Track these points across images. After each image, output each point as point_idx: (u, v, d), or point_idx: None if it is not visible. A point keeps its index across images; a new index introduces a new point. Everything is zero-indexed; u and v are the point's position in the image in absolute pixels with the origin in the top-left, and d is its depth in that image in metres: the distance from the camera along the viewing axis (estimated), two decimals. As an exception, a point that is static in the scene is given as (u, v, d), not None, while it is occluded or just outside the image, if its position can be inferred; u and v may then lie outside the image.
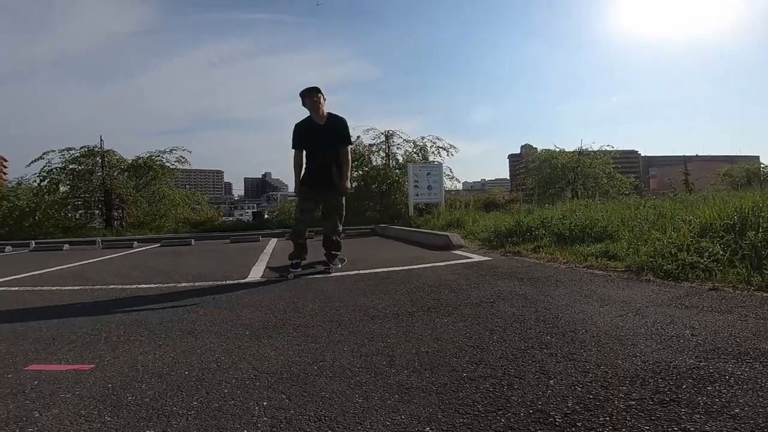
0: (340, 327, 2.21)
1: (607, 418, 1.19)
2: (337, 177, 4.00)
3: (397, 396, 1.39)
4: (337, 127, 3.99)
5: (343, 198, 4.16)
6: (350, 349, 1.85)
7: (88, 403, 1.37)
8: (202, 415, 1.28)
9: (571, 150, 21.45)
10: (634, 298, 2.57)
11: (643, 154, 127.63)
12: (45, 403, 1.39)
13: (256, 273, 4.33)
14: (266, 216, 17.65)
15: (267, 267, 4.66)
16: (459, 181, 18.47)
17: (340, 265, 4.14)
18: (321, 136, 3.92)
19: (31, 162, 15.86)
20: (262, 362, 1.73)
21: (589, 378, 1.47)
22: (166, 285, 3.74)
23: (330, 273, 3.95)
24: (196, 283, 3.78)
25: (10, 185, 19.08)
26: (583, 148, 21.03)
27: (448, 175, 16.16)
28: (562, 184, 21.04)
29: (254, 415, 1.28)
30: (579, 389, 1.38)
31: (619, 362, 1.59)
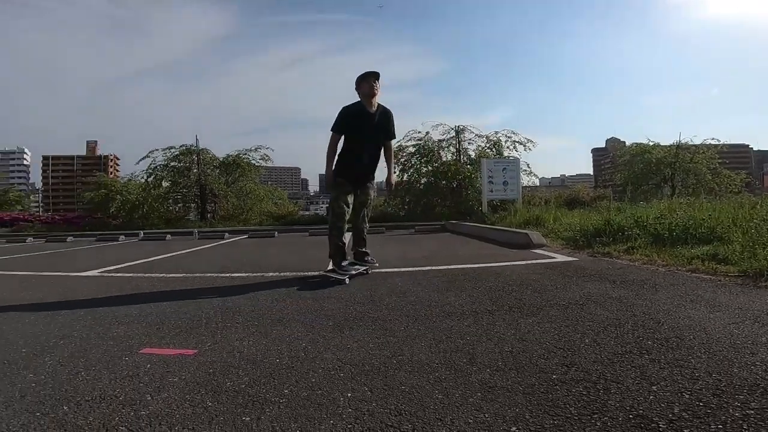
0: (416, 322, 2.20)
1: (720, 427, 1.09)
2: (373, 172, 3.80)
3: (479, 394, 1.35)
4: (388, 118, 3.68)
5: (374, 195, 3.99)
6: (428, 345, 1.84)
7: (192, 387, 1.46)
8: (292, 403, 1.33)
9: (667, 144, 19.38)
10: (751, 304, 2.27)
11: (755, 149, 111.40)
12: (156, 386, 1.48)
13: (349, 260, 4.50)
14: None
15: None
16: (537, 177, 17.58)
17: (377, 263, 3.88)
18: (373, 126, 3.56)
19: (140, 160, 18.03)
20: (345, 353, 1.77)
21: (699, 385, 1.34)
22: (255, 274, 4.01)
23: (368, 272, 3.72)
24: (282, 273, 4.01)
25: (122, 181, 21.74)
26: (683, 141, 18.89)
27: (525, 170, 15.47)
28: (657, 181, 19.14)
29: (339, 405, 1.31)
30: (687, 396, 1.27)
31: (735, 370, 1.43)
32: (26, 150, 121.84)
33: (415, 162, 16.77)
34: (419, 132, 16.75)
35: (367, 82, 3.46)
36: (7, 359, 1.75)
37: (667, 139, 20.37)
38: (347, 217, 3.59)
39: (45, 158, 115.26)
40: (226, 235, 11.18)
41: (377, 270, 4.01)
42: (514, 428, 1.15)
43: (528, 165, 15.81)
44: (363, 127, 3.51)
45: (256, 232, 11.51)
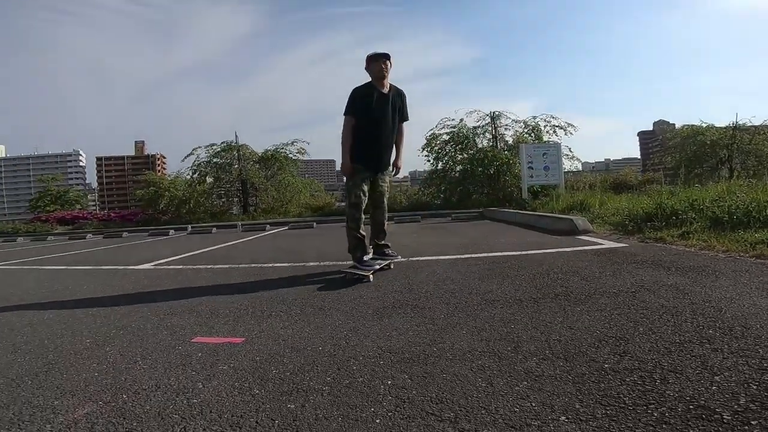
0: (457, 310, 2.17)
1: None
2: (391, 155, 3.52)
3: (525, 383, 1.32)
4: (402, 99, 3.44)
5: (390, 180, 3.64)
6: (469, 333, 1.81)
7: (241, 375, 1.50)
8: (335, 391, 1.35)
9: (722, 125, 18.00)
10: None
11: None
12: (207, 374, 1.53)
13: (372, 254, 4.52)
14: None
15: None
16: (579, 161, 16.86)
17: (399, 257, 3.63)
18: (387, 107, 3.30)
19: (185, 157, 18.88)
20: (385, 341, 1.77)
21: None
22: (296, 264, 4.10)
23: (391, 267, 3.46)
24: (322, 263, 4.07)
25: (169, 178, 22.80)
26: (740, 122, 17.48)
27: (567, 154, 14.87)
28: (713, 163, 17.88)
29: (380, 393, 1.31)
30: (754, 387, 1.19)
31: None
32: (81, 152, 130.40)
33: (449, 150, 16.51)
34: (453, 119, 16.46)
35: (377, 62, 3.24)
36: (74, 349, 1.87)
37: (720, 121, 18.86)
38: (364, 206, 3.36)
39: (98, 159, 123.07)
40: (268, 227, 11.51)
41: (415, 258, 3.99)
42: (563, 417, 1.12)
43: (570, 149, 15.20)
44: (378, 108, 3.27)
45: (295, 224, 11.78)
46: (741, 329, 1.64)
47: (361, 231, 3.33)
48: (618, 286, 2.48)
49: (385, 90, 3.31)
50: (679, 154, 18.95)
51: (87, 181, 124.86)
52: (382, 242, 3.60)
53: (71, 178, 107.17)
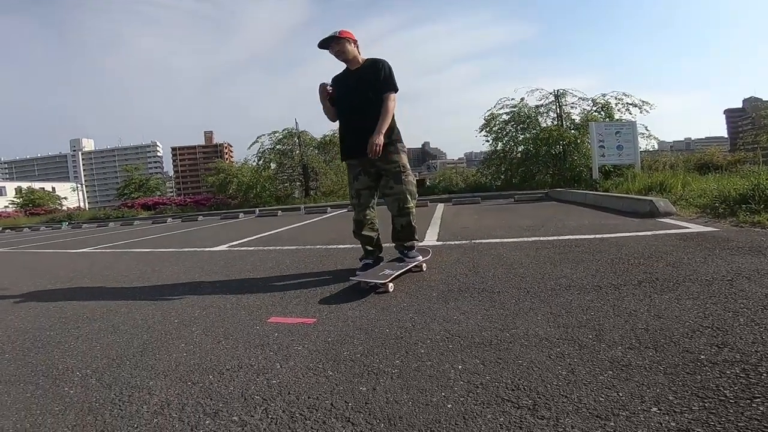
0: (528, 295, 2.09)
1: None
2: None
3: (610, 372, 1.25)
4: (375, 68, 2.79)
5: (399, 161, 2.79)
6: (545, 319, 1.73)
7: (315, 356, 1.54)
8: (404, 374, 1.35)
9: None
10: None
11: None
12: (284, 355, 1.58)
13: (431, 236, 4.48)
14: (428, 183, 18.23)
15: (440, 231, 4.77)
16: (656, 140, 15.50)
17: (422, 258, 2.92)
18: (355, 86, 2.81)
19: (250, 145, 19.93)
20: (452, 325, 1.75)
21: None
22: (357, 246, 4.14)
23: (422, 268, 2.89)
24: (384, 244, 4.08)
25: (237, 165, 24.10)
26: None
27: (643, 133, 13.71)
28: (814, 141, 15.63)
29: (450, 378, 1.29)
30: None
31: None
32: (158, 143, 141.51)
33: (509, 130, 15.86)
34: (512, 99, 15.75)
35: (332, 49, 2.79)
36: (164, 329, 2.02)
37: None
38: (366, 203, 2.91)
39: (173, 149, 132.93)
40: (329, 209, 11.83)
41: (478, 241, 3.88)
42: (654, 408, 1.05)
43: (646, 127, 13.99)
44: (346, 91, 2.83)
45: (354, 208, 12.00)
46: None
47: (361, 231, 2.93)
48: (711, 273, 2.25)
49: (354, 68, 2.85)
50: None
51: (164, 170, 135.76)
52: (401, 243, 2.95)
53: (151, 167, 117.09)
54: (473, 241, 3.96)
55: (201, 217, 14.22)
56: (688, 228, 3.81)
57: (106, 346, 1.84)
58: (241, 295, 2.54)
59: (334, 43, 2.76)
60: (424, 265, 2.90)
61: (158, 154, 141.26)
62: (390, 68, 2.81)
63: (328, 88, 2.84)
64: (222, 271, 3.44)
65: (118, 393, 1.39)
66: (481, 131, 16.12)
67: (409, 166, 2.87)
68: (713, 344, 1.39)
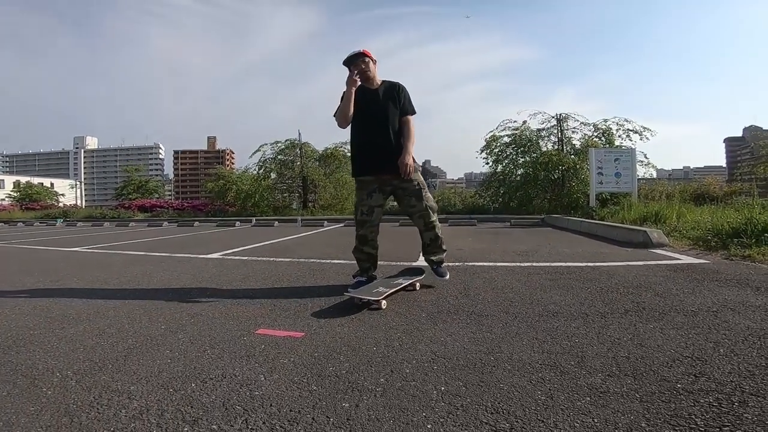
0: (516, 319, 2.10)
1: None
2: (395, 155, 2.87)
3: (588, 398, 1.27)
4: (396, 92, 2.95)
5: (417, 179, 2.92)
6: (530, 344, 1.75)
7: (300, 370, 1.54)
8: (387, 393, 1.35)
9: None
10: None
11: None
12: (269, 367, 1.57)
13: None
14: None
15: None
16: (654, 168, 15.64)
17: (447, 276, 3.01)
18: (378, 104, 2.90)
19: (252, 153, 19.99)
20: (439, 346, 1.76)
21: None
22: (353, 262, 4.16)
23: (416, 287, 2.88)
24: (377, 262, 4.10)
25: (237, 173, 24.14)
26: None
27: (642, 161, 13.85)
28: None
29: (432, 398, 1.30)
30: None
31: None
32: (161, 145, 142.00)
33: (510, 152, 15.99)
34: (515, 121, 15.91)
35: (355, 66, 2.86)
36: (150, 335, 2.01)
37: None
38: (370, 220, 2.94)
39: (175, 152, 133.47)
40: (326, 223, 11.85)
41: (471, 264, 3.90)
42: None
43: (645, 155, 14.14)
44: (367, 107, 2.90)
45: (351, 222, 12.00)
46: None
47: (365, 247, 2.99)
48: (697, 304, 2.29)
49: (373, 87, 2.95)
50: (772, 163, 16.97)
51: (165, 172, 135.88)
52: (433, 257, 3.05)
53: (151, 169, 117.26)
54: (466, 263, 3.98)
55: (197, 222, 14.20)
56: (680, 259, 3.85)
57: (89, 349, 1.84)
58: (231, 305, 2.54)
59: (360, 61, 2.87)
60: (418, 284, 2.89)
61: (160, 156, 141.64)
62: (408, 92, 2.99)
63: (356, 78, 2.83)
64: (213, 280, 3.44)
65: (97, 396, 1.38)
66: (481, 152, 16.23)
67: (425, 184, 2.99)
68: (691, 373, 1.42)
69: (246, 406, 1.29)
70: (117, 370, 1.59)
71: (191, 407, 1.30)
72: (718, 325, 1.92)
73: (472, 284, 2.99)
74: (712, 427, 1.10)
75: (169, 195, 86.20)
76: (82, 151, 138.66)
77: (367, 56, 2.90)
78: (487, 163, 16.34)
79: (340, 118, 2.90)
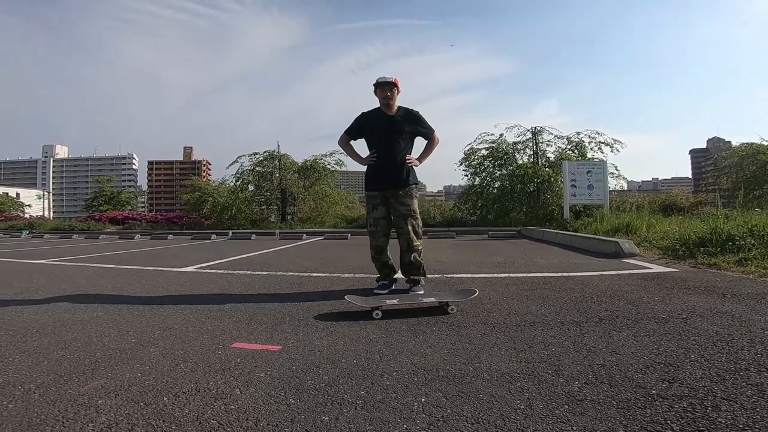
0: (494, 330, 2.12)
1: None
2: (403, 174, 3.23)
3: (566, 407, 1.28)
4: (415, 118, 3.32)
5: (414, 202, 3.25)
6: (508, 354, 1.76)
7: (277, 383, 1.51)
8: (368, 405, 1.34)
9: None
10: None
11: None
12: (245, 381, 1.54)
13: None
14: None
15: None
16: (625, 180, 16.20)
17: (422, 292, 3.10)
18: (392, 130, 3.24)
19: (230, 164, 19.68)
20: (419, 358, 1.75)
21: None
22: (332, 275, 4.15)
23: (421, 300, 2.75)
24: (356, 275, 4.10)
25: (214, 184, 23.72)
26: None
27: (613, 173, 14.31)
28: (775, 185, 16.61)
29: (413, 410, 1.30)
30: None
31: None
32: (135, 155, 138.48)
33: (487, 165, 16.28)
34: (491, 134, 16.25)
35: (382, 90, 3.22)
36: (120, 348, 1.95)
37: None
38: (382, 231, 3.27)
39: (150, 163, 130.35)
40: (304, 236, 11.72)
41: (450, 275, 3.94)
42: None
43: (616, 167, 14.63)
44: (382, 132, 3.26)
45: (331, 235, 11.94)
46: (807, 362, 1.54)
47: (380, 256, 3.30)
48: (668, 311, 2.37)
49: (391, 113, 3.28)
50: (735, 175, 17.74)
51: (138, 184, 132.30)
52: (410, 276, 3.27)
53: (124, 180, 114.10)
54: (445, 275, 4.01)
55: (171, 235, 13.84)
56: (650, 268, 3.98)
57: (54, 362, 1.77)
58: (206, 319, 2.48)
59: (388, 88, 3.22)
60: (454, 307, 2.55)
61: (134, 167, 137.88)
62: (422, 116, 3.38)
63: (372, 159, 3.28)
64: (187, 293, 3.35)
65: (62, 410, 1.33)
66: (460, 165, 16.47)
67: (418, 210, 3.30)
68: (665, 379, 1.46)
69: (221, 420, 1.26)
70: (84, 384, 1.54)
71: (163, 421, 1.26)
72: (688, 332, 1.98)
73: (445, 288, 3.01)
74: None
75: (143, 207, 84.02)
76: (51, 160, 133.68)
77: (396, 86, 3.24)
78: (466, 176, 16.58)
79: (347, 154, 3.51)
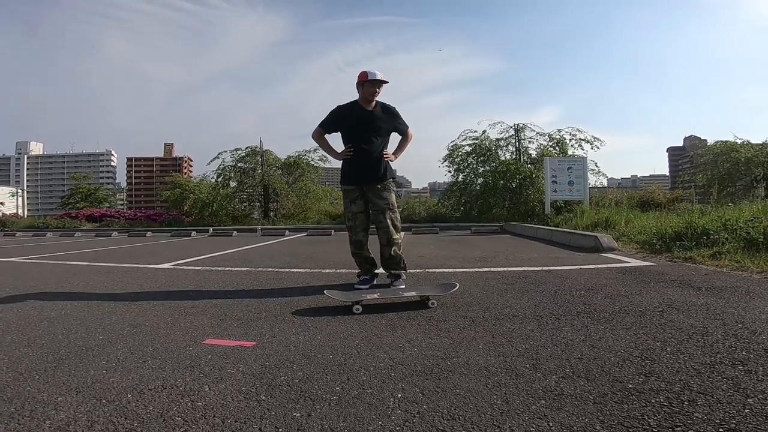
0: (473, 324, 2.11)
1: None
2: (381, 169, 3.20)
3: (543, 401, 1.27)
4: (392, 114, 3.28)
5: (392, 195, 3.23)
6: (486, 348, 1.75)
7: (249, 380, 1.48)
8: (343, 401, 1.31)
9: (759, 142, 17.28)
10: None
11: None
12: (215, 377, 1.50)
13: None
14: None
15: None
16: (605, 177, 16.51)
17: (403, 286, 3.05)
18: (370, 125, 3.19)
19: (211, 161, 19.32)
20: (397, 353, 1.73)
21: None
22: (313, 270, 4.10)
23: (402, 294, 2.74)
24: (338, 270, 4.06)
25: (195, 181, 23.28)
26: (777, 138, 16.72)
27: (593, 170, 14.57)
28: (747, 182, 17.17)
29: (389, 406, 1.27)
30: None
31: None
32: (113, 152, 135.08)
33: (471, 162, 16.40)
34: (475, 131, 16.37)
35: (372, 86, 3.12)
36: (86, 345, 1.88)
37: (756, 137, 18.15)
38: (361, 225, 3.23)
39: (129, 159, 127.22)
40: (287, 232, 11.62)
41: (432, 270, 3.93)
42: None
43: (596, 164, 14.90)
44: (360, 126, 3.19)
45: (314, 231, 11.85)
46: (777, 353, 1.57)
47: (360, 251, 3.26)
48: (644, 304, 2.40)
49: (370, 108, 3.21)
50: (710, 172, 18.27)
51: (117, 181, 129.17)
52: (391, 270, 3.24)
53: (102, 177, 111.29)
54: (427, 270, 4.00)
55: (150, 233, 13.55)
56: (628, 262, 4.04)
57: (15, 360, 1.70)
58: (179, 315, 2.40)
59: (379, 86, 3.14)
60: (435, 301, 2.54)
61: (112, 163, 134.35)
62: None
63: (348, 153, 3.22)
64: (162, 290, 3.26)
65: (19, 407, 1.28)
66: (444, 162, 16.55)
67: (396, 204, 3.26)
68: (641, 373, 1.45)
69: (186, 417, 1.21)
70: (45, 381, 1.48)
71: (125, 419, 1.21)
72: (664, 325, 2.00)
73: (428, 282, 2.99)
74: (664, 428, 1.10)
75: (121, 204, 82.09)
76: (26, 156, 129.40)
77: (385, 83, 3.16)
78: (450, 172, 16.67)
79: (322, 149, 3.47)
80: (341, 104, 3.30)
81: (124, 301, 2.82)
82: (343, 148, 3.27)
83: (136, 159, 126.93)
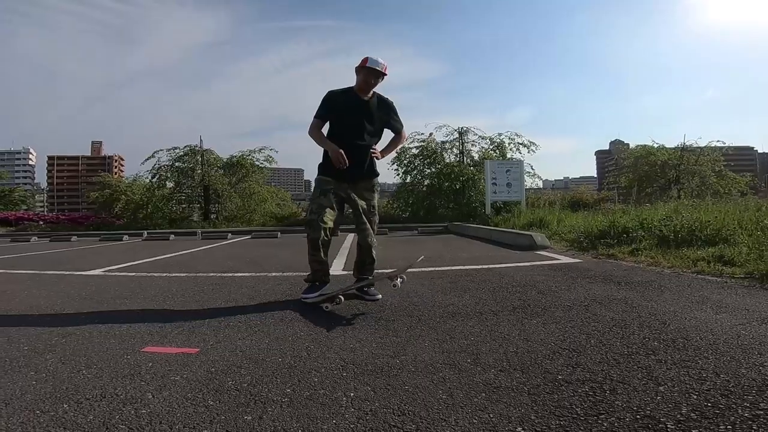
0: (420, 323, 2.19)
1: (729, 427, 1.10)
2: (368, 164, 2.91)
3: (483, 395, 1.35)
4: (389, 109, 3.00)
5: (372, 200, 2.96)
6: (431, 345, 1.83)
7: (194, 386, 1.45)
8: (295, 403, 1.32)
9: (672, 146, 19.25)
10: (757, 306, 2.28)
11: (760, 151, 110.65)
12: (158, 385, 1.47)
13: (338, 266, 4.48)
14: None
15: (346, 261, 4.81)
16: (540, 179, 17.60)
17: (380, 296, 2.84)
18: (364, 115, 2.88)
19: (145, 160, 18.17)
20: (348, 353, 1.76)
21: (707, 386, 1.35)
22: (258, 274, 4.01)
23: (376, 297, 2.79)
24: (285, 273, 4.00)
25: (127, 181, 21.79)
26: (687, 144, 18.76)
27: (529, 172, 15.49)
28: (662, 183, 19.03)
29: (342, 405, 1.30)
30: (694, 397, 1.28)
31: (743, 371, 1.45)
32: (32, 150, 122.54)
33: (418, 163, 16.80)
34: (422, 134, 16.80)
35: (371, 76, 2.79)
36: (9, 356, 1.75)
37: (671, 142, 20.15)
38: (325, 223, 2.74)
39: (50, 158, 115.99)
40: (230, 235, 11.19)
41: (380, 271, 3.98)
42: (519, 429, 1.14)
43: (532, 167, 15.84)
44: (353, 115, 2.86)
45: (259, 233, 11.52)
46: (683, 341, 1.76)
47: (317, 253, 2.76)
48: (572, 299, 2.60)
49: (366, 97, 2.89)
50: (631, 174, 20.00)
51: (36, 181, 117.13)
52: (368, 275, 2.97)
53: (18, 177, 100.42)
54: (376, 270, 4.04)
55: (75, 237, 12.48)
56: (559, 260, 4.36)
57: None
58: (113, 324, 2.27)
59: (379, 77, 2.81)
60: (399, 282, 2.81)
61: (30, 162, 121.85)
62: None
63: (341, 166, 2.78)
64: (93, 297, 3.05)
65: None
66: (392, 164, 16.83)
67: (378, 207, 3.02)
68: (569, 364, 1.57)
69: (131, 425, 1.18)
70: None
71: (64, 428, 1.16)
72: (589, 318, 2.18)
73: (380, 290, 3.05)
74: (590, 416, 1.18)
75: (41, 207, 74.71)
76: None
77: (384, 76, 2.84)
78: (398, 174, 16.96)
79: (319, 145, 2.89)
80: (333, 89, 2.93)
81: (50, 310, 2.62)
82: (332, 137, 2.87)
83: (59, 158, 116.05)
